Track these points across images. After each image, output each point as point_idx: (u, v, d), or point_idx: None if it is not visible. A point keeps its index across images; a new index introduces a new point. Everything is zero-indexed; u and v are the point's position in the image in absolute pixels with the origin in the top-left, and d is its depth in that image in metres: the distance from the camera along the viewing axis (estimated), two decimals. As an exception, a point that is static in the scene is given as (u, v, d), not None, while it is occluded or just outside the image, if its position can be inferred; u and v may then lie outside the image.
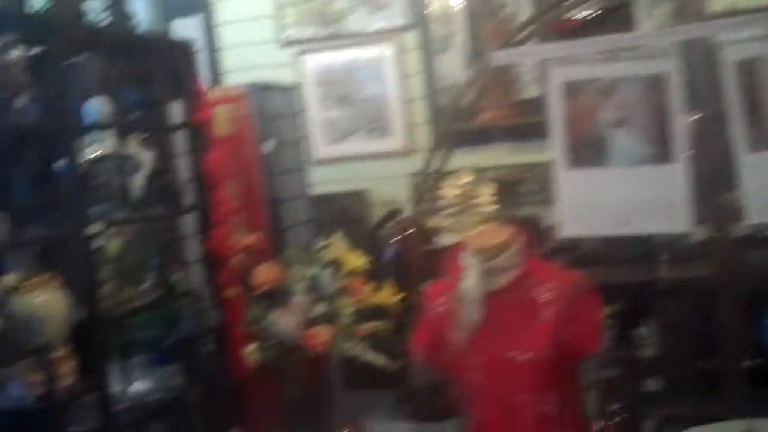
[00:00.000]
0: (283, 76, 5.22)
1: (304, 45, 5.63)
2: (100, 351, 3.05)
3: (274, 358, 3.96)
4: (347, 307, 3.99)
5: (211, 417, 3.74)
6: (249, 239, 4.08)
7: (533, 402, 2.56)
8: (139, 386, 3.46)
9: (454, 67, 5.41)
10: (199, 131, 3.68)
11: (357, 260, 4.07)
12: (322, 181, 5.29)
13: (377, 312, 4.09)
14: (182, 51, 3.69)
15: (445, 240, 4.06)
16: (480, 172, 4.02)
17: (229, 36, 5.60)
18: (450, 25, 5.40)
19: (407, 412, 5.06)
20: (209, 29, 5.38)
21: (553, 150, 3.48)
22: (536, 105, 4.91)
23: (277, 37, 5.65)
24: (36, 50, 3.05)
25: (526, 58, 3.91)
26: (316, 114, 5.56)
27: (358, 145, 5.64)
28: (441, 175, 4.04)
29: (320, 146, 5.58)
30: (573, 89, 3.47)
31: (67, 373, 2.92)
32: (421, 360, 2.81)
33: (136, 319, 3.45)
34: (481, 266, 2.60)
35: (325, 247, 4.09)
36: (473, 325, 2.59)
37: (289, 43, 5.64)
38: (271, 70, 5.28)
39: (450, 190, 3.88)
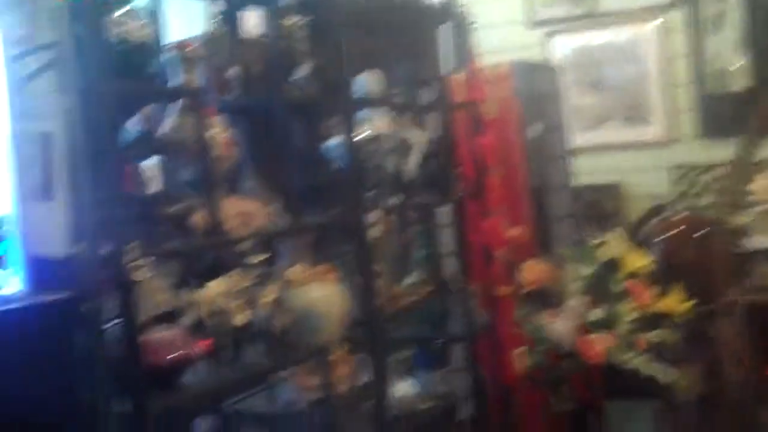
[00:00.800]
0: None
1: (554, 25, 5.19)
2: (378, 353, 2.73)
3: (545, 365, 3.56)
4: (628, 313, 3.53)
5: (478, 428, 3.38)
6: (513, 231, 3.69)
7: None
8: (404, 391, 3.14)
9: (727, 48, 4.82)
10: (472, 112, 3.32)
11: (639, 260, 3.60)
12: (572, 172, 4.83)
13: (661, 320, 3.59)
14: (457, 24, 3.35)
15: (756, 242, 3.48)
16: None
17: (473, 16, 5.21)
18: (724, 1, 4.81)
19: (667, 427, 4.54)
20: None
21: None
22: None
23: (525, 17, 5.24)
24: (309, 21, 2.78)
25: None
26: (565, 100, 5.10)
27: (612, 133, 5.15)
28: (747, 166, 3.47)
29: (570, 134, 5.12)
30: None
31: (344, 376, 2.62)
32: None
33: (403, 317, 3.13)
34: None
35: (601, 243, 3.63)
36: None
37: (539, 23, 5.22)
38: (518, 52, 4.85)
39: (763, 183, 3.31)
